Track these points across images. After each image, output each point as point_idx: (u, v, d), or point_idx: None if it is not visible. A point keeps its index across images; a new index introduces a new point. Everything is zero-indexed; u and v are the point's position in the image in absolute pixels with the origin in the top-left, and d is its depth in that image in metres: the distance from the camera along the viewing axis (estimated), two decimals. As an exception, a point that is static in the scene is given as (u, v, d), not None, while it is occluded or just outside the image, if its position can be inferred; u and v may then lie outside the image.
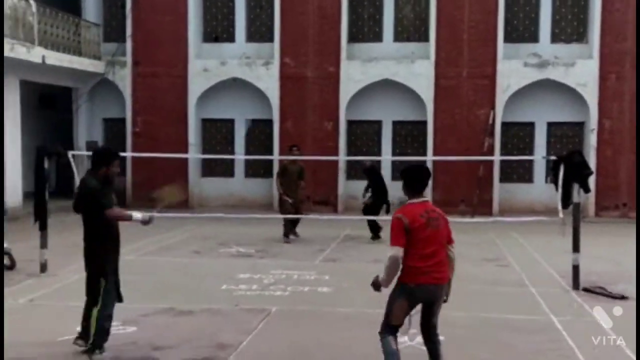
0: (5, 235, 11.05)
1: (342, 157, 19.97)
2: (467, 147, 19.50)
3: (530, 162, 20.21)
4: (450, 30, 19.93)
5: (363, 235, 14.80)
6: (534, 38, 20.43)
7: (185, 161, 20.36)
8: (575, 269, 10.10)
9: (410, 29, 20.94)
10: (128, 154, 19.64)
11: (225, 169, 21.38)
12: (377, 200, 14.70)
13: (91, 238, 6.70)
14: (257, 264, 11.94)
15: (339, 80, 20.25)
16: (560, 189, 10.10)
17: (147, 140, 20.62)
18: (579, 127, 20.33)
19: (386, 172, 18.69)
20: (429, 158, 19.12)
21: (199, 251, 13.47)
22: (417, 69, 20.09)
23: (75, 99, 21.56)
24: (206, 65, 20.83)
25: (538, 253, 13.21)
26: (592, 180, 15.99)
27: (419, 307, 5.77)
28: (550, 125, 20.43)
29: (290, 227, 14.58)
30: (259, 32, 21.29)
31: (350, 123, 20.78)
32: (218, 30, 21.50)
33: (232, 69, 20.76)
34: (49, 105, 22.67)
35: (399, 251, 5.48)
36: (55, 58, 18.72)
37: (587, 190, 10.39)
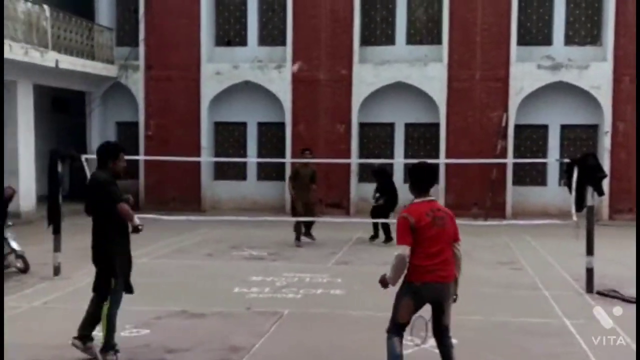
0: (19, 238, 11.10)
1: (355, 160, 19.92)
2: (480, 150, 19.39)
3: (544, 165, 20.08)
4: (463, 32, 19.87)
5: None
6: (547, 40, 20.33)
7: (197, 164, 20.42)
8: (589, 272, 10.04)
9: (423, 32, 20.91)
10: (141, 157, 19.72)
11: (237, 172, 21.42)
12: (387, 203, 14.68)
13: (100, 235, 6.62)
14: (270, 267, 11.94)
15: (351, 83, 20.24)
16: (573, 192, 10.08)
17: (160, 143, 20.70)
18: (592, 130, 20.21)
19: (398, 174, 18.66)
20: (442, 161, 19.09)
21: (212, 254, 13.49)
22: (430, 72, 20.05)
23: (88, 103, 21.69)
24: (219, 69, 20.88)
25: (551, 256, 13.14)
26: (605, 183, 15.86)
27: (428, 316, 5.76)
28: (563, 127, 20.32)
29: (304, 231, 14.55)
30: (271, 35, 21.33)
31: (362, 126, 20.76)
32: (230, 33, 21.55)
33: (245, 73, 20.79)
34: (63, 109, 22.84)
35: (405, 250, 5.53)
36: (69, 62, 18.83)
37: (600, 193, 10.35)
